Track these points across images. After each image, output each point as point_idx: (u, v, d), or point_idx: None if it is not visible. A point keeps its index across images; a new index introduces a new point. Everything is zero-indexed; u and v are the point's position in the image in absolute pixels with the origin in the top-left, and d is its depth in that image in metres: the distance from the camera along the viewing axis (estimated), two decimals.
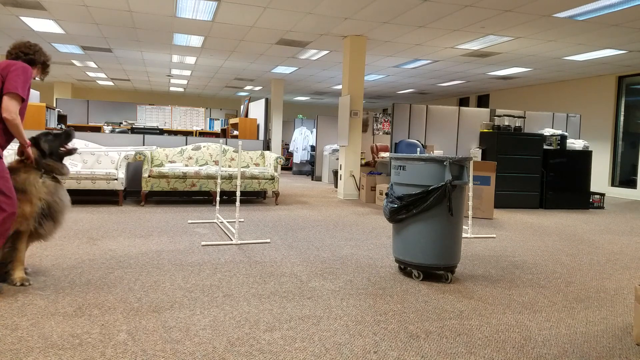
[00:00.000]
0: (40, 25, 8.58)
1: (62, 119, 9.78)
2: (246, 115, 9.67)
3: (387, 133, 11.21)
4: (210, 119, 12.70)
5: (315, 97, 19.14)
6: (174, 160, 7.38)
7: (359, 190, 8.66)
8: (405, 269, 3.75)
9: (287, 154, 15.90)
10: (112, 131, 10.96)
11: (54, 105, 13.24)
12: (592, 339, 2.53)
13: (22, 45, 3.06)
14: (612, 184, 11.17)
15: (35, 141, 3.09)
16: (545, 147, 8.32)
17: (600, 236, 5.69)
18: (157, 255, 3.93)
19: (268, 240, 4.65)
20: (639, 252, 4.85)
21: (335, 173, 10.24)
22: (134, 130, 10.11)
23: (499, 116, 8.65)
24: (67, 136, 3.22)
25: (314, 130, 14.00)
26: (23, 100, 2.84)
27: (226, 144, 8.01)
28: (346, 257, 4.15)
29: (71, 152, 3.23)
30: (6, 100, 2.76)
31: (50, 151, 3.11)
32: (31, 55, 3.07)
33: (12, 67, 2.83)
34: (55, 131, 3.25)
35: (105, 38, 9.52)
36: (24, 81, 2.82)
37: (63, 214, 3.14)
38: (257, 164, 7.87)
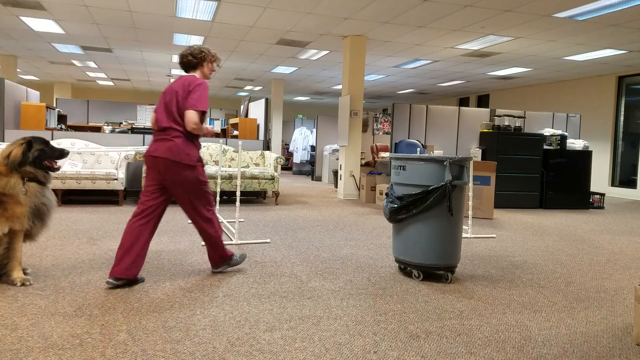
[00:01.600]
0: (40, 25, 8.58)
1: (62, 119, 9.78)
2: (246, 115, 9.67)
3: (387, 133, 11.21)
4: (210, 119, 12.70)
5: (315, 97, 19.14)
6: None
7: (359, 190, 8.66)
8: (405, 269, 3.75)
9: (287, 154, 15.90)
10: (112, 131, 10.95)
11: (54, 105, 13.24)
12: (592, 339, 2.53)
13: (193, 50, 3.35)
14: (612, 184, 11.17)
15: (29, 144, 3.08)
16: (545, 147, 8.32)
17: (600, 236, 5.69)
18: (157, 255, 3.93)
19: (268, 240, 4.65)
20: (639, 252, 4.85)
21: (335, 173, 10.24)
22: (134, 130, 10.10)
23: (499, 116, 8.65)
24: (60, 155, 3.18)
25: (314, 130, 14.00)
26: (204, 113, 3.24)
27: (226, 144, 8.01)
28: (346, 257, 4.15)
29: (54, 169, 3.16)
30: (187, 114, 3.16)
31: (34, 160, 3.06)
32: (198, 60, 3.36)
33: (193, 84, 3.21)
34: (54, 145, 3.22)
35: (105, 38, 9.53)
36: (200, 96, 3.18)
37: (50, 216, 3.15)
38: (257, 164, 7.87)
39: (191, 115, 3.13)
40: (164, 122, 3.21)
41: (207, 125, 3.33)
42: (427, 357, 2.24)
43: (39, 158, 3.09)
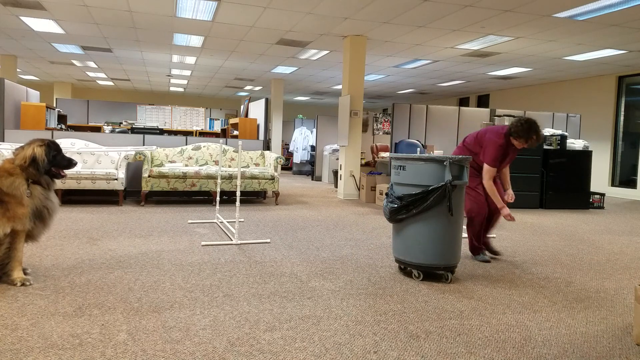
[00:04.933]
0: (40, 25, 8.58)
1: (62, 119, 9.78)
2: (246, 115, 9.67)
3: (387, 133, 11.21)
4: (210, 119, 12.70)
5: (315, 97, 19.14)
6: (174, 160, 7.38)
7: (359, 190, 8.66)
8: (405, 269, 3.75)
9: (287, 154, 15.90)
10: (112, 131, 10.96)
11: (54, 105, 13.25)
12: (592, 339, 2.53)
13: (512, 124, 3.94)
14: (612, 184, 11.17)
15: (49, 146, 3.09)
16: (545, 147, 8.32)
17: (600, 236, 5.69)
18: (157, 255, 3.93)
19: (268, 240, 4.65)
20: (639, 252, 4.85)
21: (335, 173, 10.25)
22: (134, 130, 10.11)
23: (499, 116, 8.65)
24: (68, 164, 3.20)
25: (314, 130, 14.00)
26: (495, 165, 3.89)
27: (226, 144, 8.01)
28: (346, 257, 4.15)
29: (60, 176, 3.19)
30: (484, 168, 3.94)
31: (45, 166, 3.08)
32: (511, 131, 3.91)
33: (483, 139, 3.96)
34: (65, 153, 3.24)
35: (105, 38, 9.53)
36: (491, 153, 3.87)
37: (52, 218, 3.16)
38: (257, 164, 7.87)
39: (484, 170, 3.95)
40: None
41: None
42: (427, 357, 2.24)
43: (48, 164, 3.09)
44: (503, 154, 3.92)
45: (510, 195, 4.19)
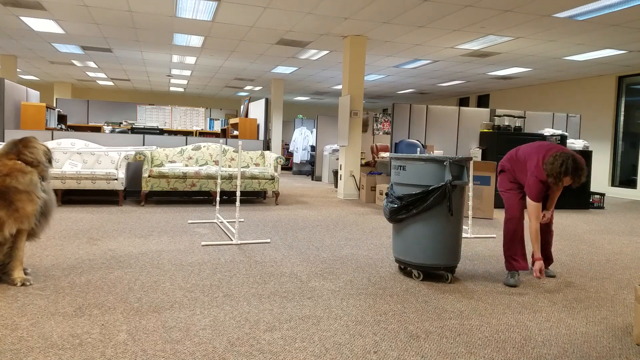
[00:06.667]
0: (40, 25, 8.58)
1: (62, 119, 9.77)
2: (246, 115, 9.67)
3: (387, 133, 11.21)
4: (210, 119, 12.70)
5: (315, 97, 19.14)
6: (174, 160, 7.38)
7: (359, 190, 8.65)
8: (405, 269, 3.75)
9: (287, 154, 15.90)
10: (112, 131, 10.95)
11: (54, 105, 13.24)
12: (592, 339, 2.53)
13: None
14: (612, 184, 11.17)
15: (48, 150, 3.26)
16: None
17: (600, 236, 5.69)
18: (157, 255, 3.93)
19: (268, 240, 4.65)
20: (639, 252, 4.85)
21: (335, 173, 10.24)
22: (134, 130, 10.10)
23: (499, 116, 8.65)
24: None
25: (314, 130, 14.00)
26: (539, 200, 3.47)
27: (226, 144, 8.01)
28: (346, 257, 4.15)
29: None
30: (528, 206, 3.53)
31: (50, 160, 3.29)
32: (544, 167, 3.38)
33: (528, 165, 3.50)
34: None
35: (105, 38, 9.53)
36: (533, 188, 3.45)
37: (52, 213, 3.23)
38: (257, 164, 7.86)
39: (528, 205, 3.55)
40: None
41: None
42: (427, 357, 2.24)
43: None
44: (546, 187, 3.48)
45: (546, 217, 3.69)
